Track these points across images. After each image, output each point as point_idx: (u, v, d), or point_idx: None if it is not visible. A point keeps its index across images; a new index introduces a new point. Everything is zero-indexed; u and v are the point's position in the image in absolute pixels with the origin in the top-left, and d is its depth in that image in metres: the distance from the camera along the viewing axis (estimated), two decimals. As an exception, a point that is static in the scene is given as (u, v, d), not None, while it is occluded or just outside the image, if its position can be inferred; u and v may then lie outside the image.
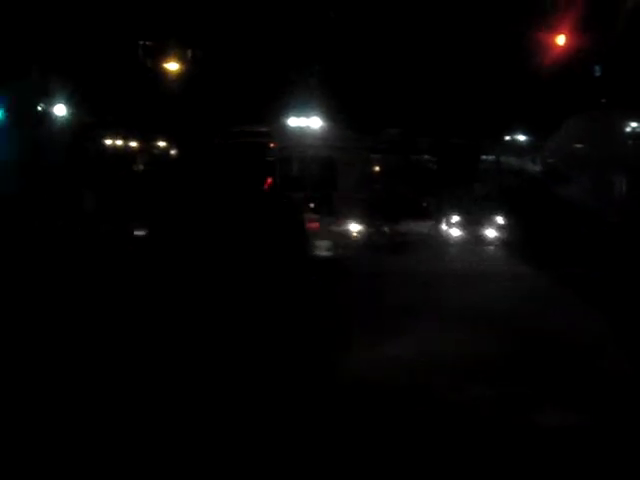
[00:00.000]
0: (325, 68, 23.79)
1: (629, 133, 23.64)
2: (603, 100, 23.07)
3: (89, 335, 11.56)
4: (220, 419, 8.40)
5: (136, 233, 21.04)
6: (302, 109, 24.86)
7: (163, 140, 26.17)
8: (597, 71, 24.05)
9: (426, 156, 24.92)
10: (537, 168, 23.36)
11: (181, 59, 24.67)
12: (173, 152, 25.75)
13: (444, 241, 22.62)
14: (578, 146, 23.61)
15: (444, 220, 23.19)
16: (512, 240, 21.30)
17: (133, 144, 25.82)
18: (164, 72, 24.59)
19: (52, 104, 24.05)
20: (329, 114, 24.75)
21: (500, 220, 22.52)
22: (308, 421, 8.29)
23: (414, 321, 12.17)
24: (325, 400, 8.88)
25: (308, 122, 25.04)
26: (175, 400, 8.89)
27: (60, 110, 24.23)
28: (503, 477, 7.18)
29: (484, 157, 24.43)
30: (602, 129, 23.08)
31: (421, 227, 22.39)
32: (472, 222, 22.70)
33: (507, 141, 25.10)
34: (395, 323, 12.15)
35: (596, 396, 8.91)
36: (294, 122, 25.13)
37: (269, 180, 23.43)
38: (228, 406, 8.75)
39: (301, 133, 24.85)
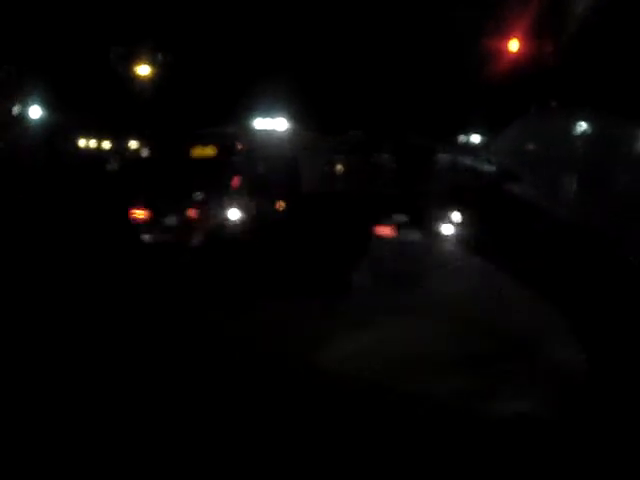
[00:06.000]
0: (291, 70, 24.25)
1: (578, 133, 24.12)
2: (554, 104, 23.80)
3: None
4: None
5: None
6: (268, 111, 25.34)
7: (135, 141, 26.51)
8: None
9: (386, 155, 25.38)
10: (492, 168, 23.80)
11: (152, 63, 25.20)
12: (145, 153, 26.14)
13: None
14: (528, 145, 23.86)
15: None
16: (468, 237, 21.65)
17: (106, 146, 26.21)
18: (136, 75, 25.12)
19: (27, 106, 24.58)
20: (295, 116, 25.29)
21: (457, 217, 22.91)
22: (281, 414, 8.55)
23: (376, 316, 12.34)
24: (299, 393, 9.17)
25: (274, 123, 25.55)
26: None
27: (35, 112, 24.69)
28: (466, 463, 7.51)
29: (441, 157, 24.85)
30: (551, 129, 23.63)
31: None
32: (429, 218, 23.04)
33: (463, 142, 25.78)
34: (357, 318, 12.19)
35: (552, 388, 9.30)
36: (260, 123, 25.62)
37: (235, 180, 23.88)
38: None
39: (267, 134, 25.30)
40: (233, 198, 23.08)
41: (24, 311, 12.75)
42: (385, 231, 20.74)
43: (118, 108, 24.58)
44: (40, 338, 11.51)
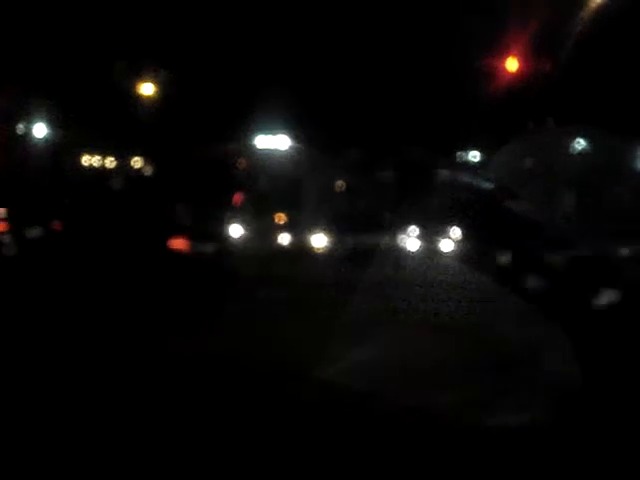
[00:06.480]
0: (292, 87, 24.41)
1: (576, 150, 24.20)
2: (551, 121, 23.99)
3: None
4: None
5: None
6: (270, 128, 25.51)
7: (139, 158, 26.59)
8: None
9: (387, 173, 25.54)
10: (490, 185, 23.94)
11: (155, 80, 25.38)
12: (148, 170, 26.27)
13: (403, 252, 22.77)
14: (526, 163, 23.96)
15: (403, 232, 23.54)
16: (467, 252, 21.84)
17: (110, 164, 26.29)
18: (139, 93, 25.28)
19: (32, 124, 24.73)
20: (296, 133, 25.46)
21: (456, 233, 23.05)
22: (278, 426, 8.51)
23: (376, 329, 12.37)
24: (289, 405, 9.15)
25: (275, 141, 25.69)
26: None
27: (40, 130, 24.83)
28: (464, 475, 7.52)
29: (441, 174, 25.00)
30: (549, 146, 23.79)
31: (384, 239, 23.02)
32: (429, 234, 23.21)
33: (462, 160, 25.93)
34: (357, 331, 12.18)
35: (551, 399, 9.30)
36: (262, 140, 25.76)
37: (238, 197, 24.04)
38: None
39: (269, 152, 25.44)
40: (235, 214, 23.30)
41: None
42: (178, 244, 20.83)
43: (122, 125, 24.76)
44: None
